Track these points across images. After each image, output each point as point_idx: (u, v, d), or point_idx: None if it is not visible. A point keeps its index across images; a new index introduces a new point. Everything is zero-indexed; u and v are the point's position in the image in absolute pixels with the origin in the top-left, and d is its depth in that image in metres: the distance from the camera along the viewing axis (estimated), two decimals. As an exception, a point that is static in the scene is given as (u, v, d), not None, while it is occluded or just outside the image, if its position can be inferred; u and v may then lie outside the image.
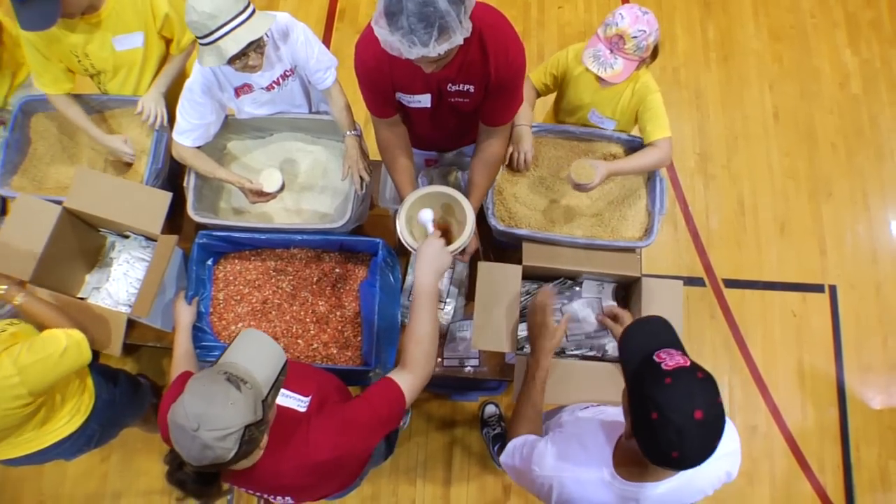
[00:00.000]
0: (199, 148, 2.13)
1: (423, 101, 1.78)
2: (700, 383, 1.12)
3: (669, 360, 1.14)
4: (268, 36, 1.89)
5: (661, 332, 1.27)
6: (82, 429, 2.02)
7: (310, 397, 1.51)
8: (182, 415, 1.16)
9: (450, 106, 1.80)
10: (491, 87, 1.68)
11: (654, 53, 1.97)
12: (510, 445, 1.56)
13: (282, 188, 2.13)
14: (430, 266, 1.56)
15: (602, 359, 2.00)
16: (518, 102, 1.82)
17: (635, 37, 1.85)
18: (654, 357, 1.17)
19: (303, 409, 1.49)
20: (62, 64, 2.19)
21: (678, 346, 1.23)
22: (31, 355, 1.67)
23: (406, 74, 1.66)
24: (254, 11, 1.78)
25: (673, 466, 1.13)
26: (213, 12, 1.69)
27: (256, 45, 1.83)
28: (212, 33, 1.72)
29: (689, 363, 1.14)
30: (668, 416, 1.08)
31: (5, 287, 1.85)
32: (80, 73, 2.28)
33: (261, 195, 2.13)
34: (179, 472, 1.24)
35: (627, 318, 1.84)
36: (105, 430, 2.15)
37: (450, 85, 1.70)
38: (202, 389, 1.18)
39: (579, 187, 1.93)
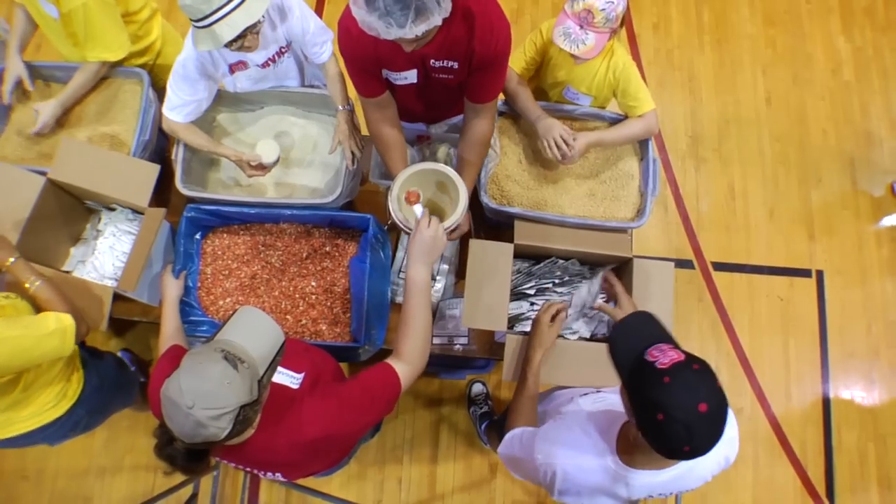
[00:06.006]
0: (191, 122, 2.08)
1: (410, 76, 1.76)
2: (698, 375, 1.10)
3: (663, 357, 1.12)
4: (264, 17, 1.83)
5: (646, 328, 1.24)
6: (69, 414, 1.98)
7: (303, 374, 1.50)
8: (177, 391, 1.14)
9: (437, 81, 1.78)
10: (475, 64, 1.66)
11: (623, 20, 1.90)
12: (508, 436, 1.56)
13: (278, 159, 2.10)
14: (427, 255, 1.51)
15: (600, 340, 2.00)
16: (502, 80, 1.80)
17: (603, 9, 1.78)
18: (647, 356, 1.14)
19: (295, 387, 1.48)
20: None
21: (667, 337, 1.21)
22: (7, 330, 1.59)
23: (390, 49, 1.63)
24: None
25: (685, 458, 1.12)
26: None
27: (252, 27, 1.76)
28: (206, 17, 1.65)
29: (683, 357, 1.12)
30: (674, 416, 1.07)
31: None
32: None
33: (257, 168, 2.10)
34: (169, 447, 1.22)
35: (626, 301, 1.84)
36: (92, 416, 2.11)
37: (433, 61, 1.68)
38: (199, 367, 1.16)
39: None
